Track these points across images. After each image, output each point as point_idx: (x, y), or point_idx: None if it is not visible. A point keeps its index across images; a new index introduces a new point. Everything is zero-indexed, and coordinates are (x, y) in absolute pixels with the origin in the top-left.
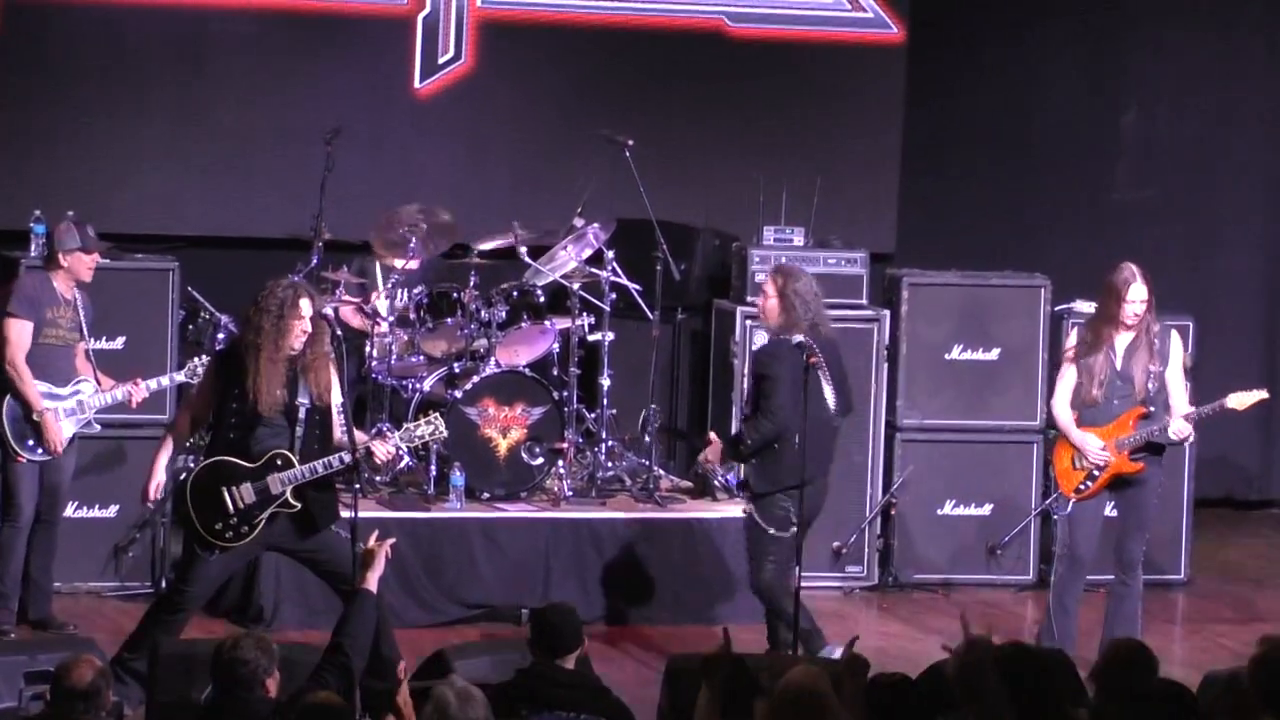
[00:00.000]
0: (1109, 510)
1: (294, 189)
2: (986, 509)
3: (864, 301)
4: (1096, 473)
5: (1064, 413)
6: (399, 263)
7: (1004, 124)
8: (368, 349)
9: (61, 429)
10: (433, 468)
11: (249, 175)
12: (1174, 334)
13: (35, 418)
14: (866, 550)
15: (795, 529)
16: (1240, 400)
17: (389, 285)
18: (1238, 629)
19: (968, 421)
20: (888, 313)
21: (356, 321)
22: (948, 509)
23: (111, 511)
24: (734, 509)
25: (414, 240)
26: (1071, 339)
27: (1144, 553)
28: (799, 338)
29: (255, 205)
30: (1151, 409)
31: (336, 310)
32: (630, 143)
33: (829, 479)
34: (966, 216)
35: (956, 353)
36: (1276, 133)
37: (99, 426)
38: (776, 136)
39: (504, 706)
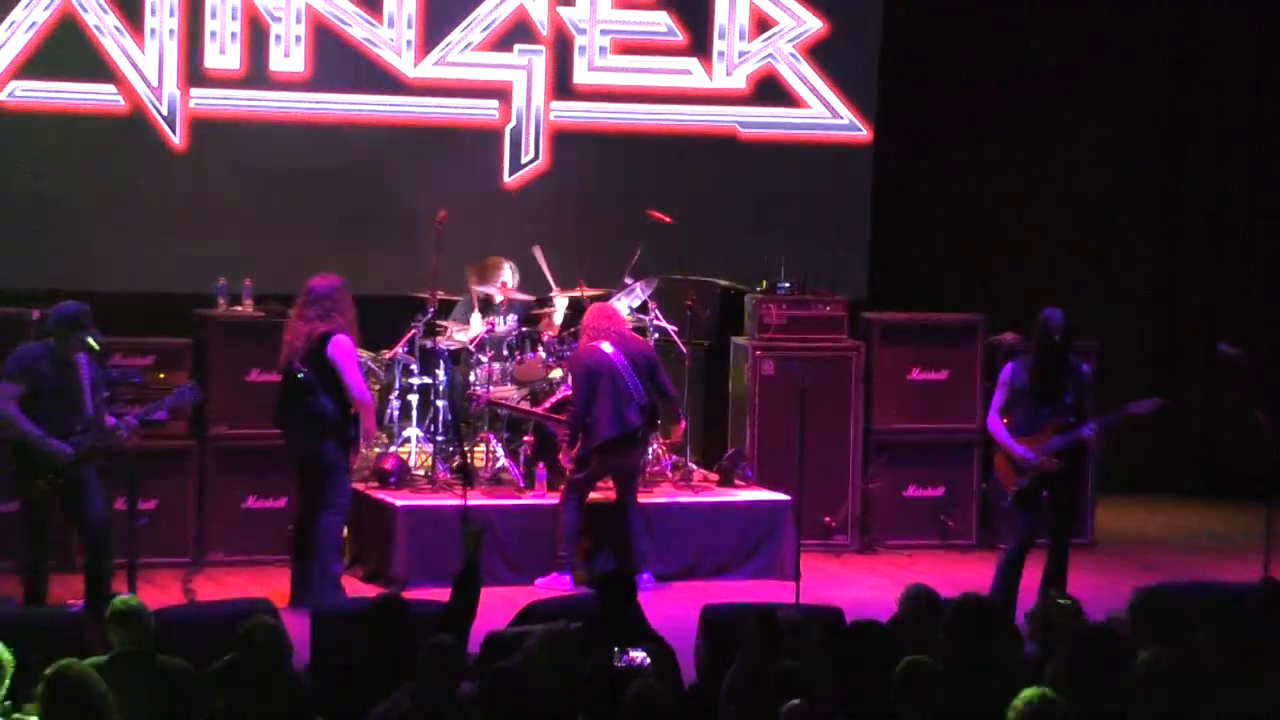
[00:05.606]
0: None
1: (412, 258)
2: (939, 491)
3: (845, 336)
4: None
5: (1000, 426)
6: (491, 292)
7: (951, 201)
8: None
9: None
10: (521, 465)
11: (377, 246)
12: (1083, 364)
13: None
14: (849, 523)
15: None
16: (1141, 407)
17: (485, 321)
18: (1139, 581)
19: (924, 426)
20: (863, 344)
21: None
22: (911, 491)
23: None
24: (751, 493)
25: (501, 279)
26: (1007, 371)
27: (1074, 525)
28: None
29: (381, 270)
30: (1070, 419)
31: (448, 350)
32: (669, 220)
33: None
34: (924, 271)
35: (916, 374)
36: (1166, 186)
37: None
38: (777, 213)
39: (586, 643)
